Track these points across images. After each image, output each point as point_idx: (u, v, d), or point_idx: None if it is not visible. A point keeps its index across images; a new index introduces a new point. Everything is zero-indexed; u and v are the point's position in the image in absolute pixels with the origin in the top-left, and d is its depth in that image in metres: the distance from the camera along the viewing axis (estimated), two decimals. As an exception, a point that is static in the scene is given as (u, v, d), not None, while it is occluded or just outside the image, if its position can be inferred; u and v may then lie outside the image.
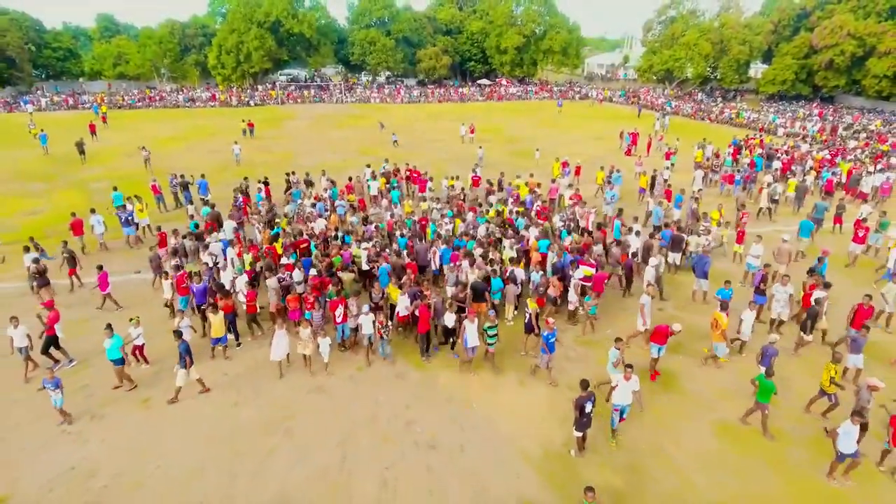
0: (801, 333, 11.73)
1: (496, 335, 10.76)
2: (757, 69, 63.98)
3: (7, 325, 10.89)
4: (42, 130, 35.28)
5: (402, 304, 11.75)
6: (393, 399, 10.34)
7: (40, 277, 14.18)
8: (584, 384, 8.61)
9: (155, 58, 60.42)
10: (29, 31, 63.33)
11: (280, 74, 74.43)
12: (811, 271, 13.33)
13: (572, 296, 12.92)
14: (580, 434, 8.61)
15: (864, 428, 8.34)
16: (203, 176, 22.70)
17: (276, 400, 10.39)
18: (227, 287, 12.89)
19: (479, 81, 67.97)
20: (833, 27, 49.01)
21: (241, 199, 20.12)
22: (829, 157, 25.72)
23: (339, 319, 11.53)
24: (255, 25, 56.29)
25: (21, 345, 10.91)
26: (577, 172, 24.33)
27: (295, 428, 9.58)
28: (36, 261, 14.45)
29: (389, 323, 11.61)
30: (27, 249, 14.73)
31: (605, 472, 8.43)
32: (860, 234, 16.35)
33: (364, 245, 14.50)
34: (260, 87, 61.55)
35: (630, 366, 8.86)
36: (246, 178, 22.16)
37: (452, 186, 20.86)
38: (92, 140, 35.58)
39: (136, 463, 8.80)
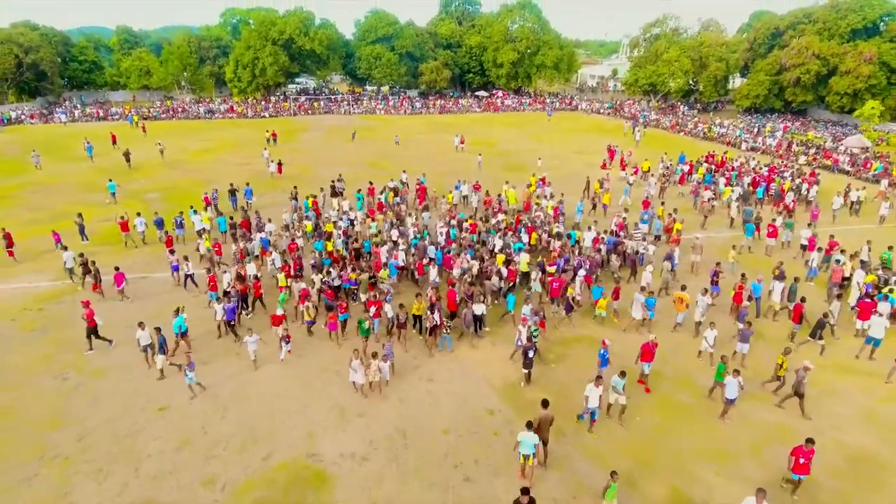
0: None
1: (537, 334, 14.41)
2: (737, 82, 68.64)
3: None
4: (88, 142, 40.21)
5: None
6: (403, 354, 14.89)
7: (85, 267, 18.11)
8: (530, 339, 13.22)
9: (176, 72, 65.09)
10: (58, 45, 68.17)
11: (290, 84, 79.15)
12: (743, 276, 16.98)
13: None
14: (526, 371, 13.23)
15: (801, 397, 12.13)
16: (248, 183, 27.89)
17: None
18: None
19: (477, 93, 72.71)
20: (800, 48, 53.61)
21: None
22: (766, 173, 30.35)
23: (372, 315, 14.91)
24: (269, 43, 61.08)
25: (146, 343, 13.88)
26: (543, 181, 28.40)
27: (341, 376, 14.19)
28: (81, 255, 18.64)
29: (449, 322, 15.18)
30: (66, 249, 19.13)
31: (542, 393, 13.00)
32: (770, 231, 21.27)
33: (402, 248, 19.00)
34: (273, 99, 66.29)
35: (600, 376, 11.80)
36: (295, 187, 27.36)
37: (451, 203, 25.54)
38: (113, 149, 40.50)
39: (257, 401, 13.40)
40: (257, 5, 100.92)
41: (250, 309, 16.91)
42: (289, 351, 14.13)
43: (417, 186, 27.62)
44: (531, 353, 13.06)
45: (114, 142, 42.59)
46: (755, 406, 12.79)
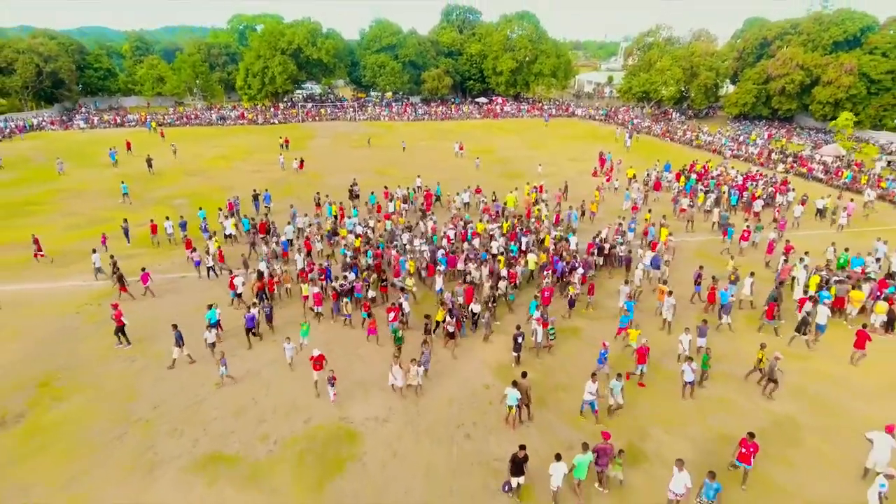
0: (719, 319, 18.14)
1: (554, 333, 16.91)
2: (729, 90, 71.27)
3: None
4: (112, 149, 43.06)
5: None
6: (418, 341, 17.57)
7: (117, 269, 20.50)
8: (518, 328, 15.93)
9: (188, 79, 67.81)
10: (74, 53, 70.87)
11: (296, 90, 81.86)
12: (714, 278, 19.59)
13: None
14: (515, 354, 15.93)
15: (774, 382, 14.52)
16: (266, 189, 30.99)
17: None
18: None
19: (477, 99, 75.43)
20: (785, 58, 56.29)
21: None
22: (740, 182, 33.03)
23: (391, 319, 17.00)
24: (279, 52, 63.79)
25: (211, 341, 16.49)
26: (540, 189, 31.24)
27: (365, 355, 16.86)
28: (112, 257, 21.23)
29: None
30: (94, 251, 21.85)
31: (531, 372, 15.65)
32: (745, 235, 24.04)
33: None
34: (281, 105, 69.01)
35: (595, 373, 14.07)
36: (318, 193, 30.50)
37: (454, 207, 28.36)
38: (127, 153, 43.37)
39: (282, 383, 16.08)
40: (263, 11, 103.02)
41: (267, 302, 19.59)
42: (335, 394, 14.46)
43: (425, 193, 30.40)
44: (520, 340, 15.75)
45: (128, 148, 45.38)
46: (712, 387, 15.44)
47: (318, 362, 14.58)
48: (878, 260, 22.03)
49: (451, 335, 16.82)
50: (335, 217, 27.12)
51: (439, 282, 19.80)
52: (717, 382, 15.55)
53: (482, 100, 74.84)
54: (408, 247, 22.72)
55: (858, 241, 25.06)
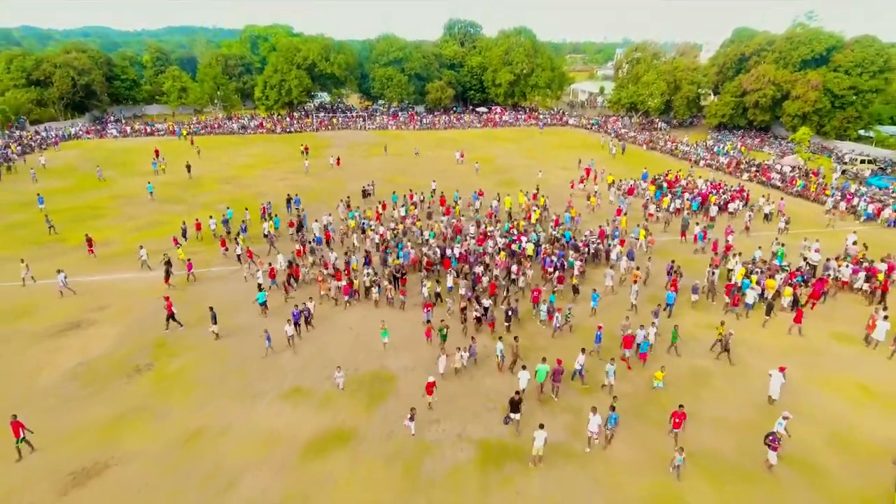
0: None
1: (570, 315, 21.83)
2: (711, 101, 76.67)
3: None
4: (154, 159, 48.58)
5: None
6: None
7: (170, 265, 25.87)
8: (509, 304, 21.27)
9: (210, 91, 73.18)
10: (103, 65, 76.27)
11: (309, 99, 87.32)
12: (679, 272, 25.19)
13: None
14: (507, 324, 21.21)
15: (728, 351, 19.66)
16: (297, 194, 36.84)
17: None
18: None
19: (477, 109, 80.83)
20: (758, 74, 61.66)
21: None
22: (705, 190, 38.40)
23: (425, 311, 21.78)
24: (295, 67, 69.18)
25: (290, 334, 21.34)
26: (534, 197, 36.81)
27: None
28: (165, 255, 26.54)
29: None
30: (141, 247, 27.32)
31: (548, 355, 20.85)
32: (704, 234, 29.48)
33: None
34: (296, 115, 74.39)
35: (584, 349, 18.90)
36: (349, 197, 36.27)
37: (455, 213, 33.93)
38: (158, 160, 48.88)
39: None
40: (273, 21, 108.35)
41: (296, 286, 25.10)
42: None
43: (440, 198, 36.50)
44: (510, 314, 21.14)
45: (156, 155, 50.81)
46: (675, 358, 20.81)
47: (430, 387, 16.85)
48: (804, 256, 27.44)
49: (479, 320, 21.56)
50: (377, 212, 33.63)
51: (450, 280, 24.40)
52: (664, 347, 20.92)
53: (482, 109, 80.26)
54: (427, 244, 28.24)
55: (795, 241, 30.45)
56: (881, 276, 24.21)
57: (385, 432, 16.05)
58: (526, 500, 13.72)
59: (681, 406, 15.72)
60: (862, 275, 24.61)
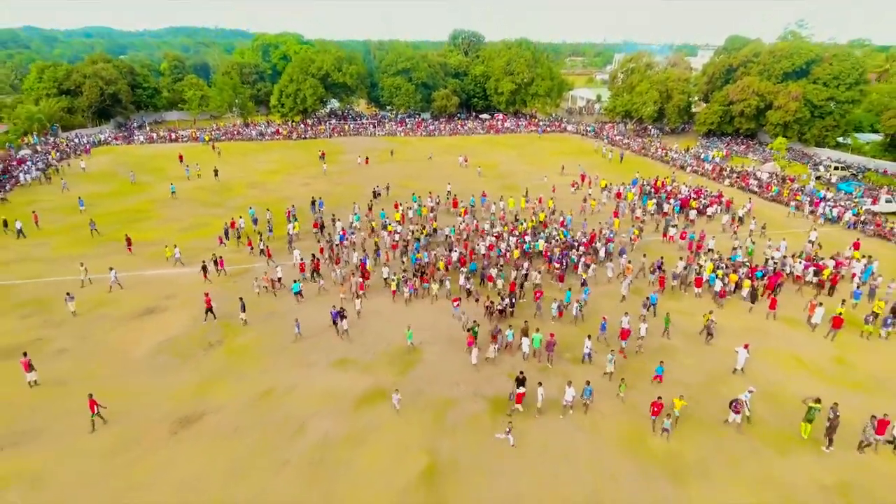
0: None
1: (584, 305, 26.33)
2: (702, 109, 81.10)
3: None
4: (187, 166, 52.97)
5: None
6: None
7: (217, 262, 30.51)
8: (511, 297, 25.66)
9: (230, 99, 77.65)
10: (126, 75, 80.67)
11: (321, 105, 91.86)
12: (662, 268, 29.88)
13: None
14: (511, 309, 25.66)
15: (710, 335, 24.35)
16: (321, 197, 41.21)
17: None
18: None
19: (480, 115, 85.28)
20: (744, 86, 66.06)
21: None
22: (687, 195, 42.79)
23: (455, 306, 26.12)
24: (309, 77, 73.64)
25: (345, 328, 26.63)
26: (540, 201, 41.43)
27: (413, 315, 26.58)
28: (214, 255, 31.13)
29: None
30: (176, 246, 31.65)
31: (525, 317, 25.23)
32: (681, 235, 33.91)
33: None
34: (310, 122, 78.83)
35: (589, 335, 25.09)
36: (372, 201, 41.21)
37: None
38: (192, 166, 53.30)
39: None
40: (284, 30, 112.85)
41: (318, 277, 29.44)
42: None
43: (453, 200, 41.28)
44: (512, 300, 25.56)
45: (181, 160, 55.18)
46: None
47: (520, 398, 19.38)
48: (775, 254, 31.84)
49: (502, 311, 25.65)
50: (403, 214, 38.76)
51: (461, 279, 28.49)
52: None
53: (485, 116, 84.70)
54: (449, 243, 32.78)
55: (766, 241, 34.81)
56: (827, 272, 28.61)
57: (416, 391, 20.46)
58: (525, 439, 18.12)
59: (659, 397, 18.50)
60: (811, 270, 28.99)
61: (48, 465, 16.87)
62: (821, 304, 24.79)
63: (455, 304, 25.76)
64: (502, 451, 17.54)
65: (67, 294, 25.95)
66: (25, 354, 20.54)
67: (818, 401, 18.09)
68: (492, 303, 25.71)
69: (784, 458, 17.49)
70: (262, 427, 18.54)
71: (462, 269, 29.23)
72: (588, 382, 19.44)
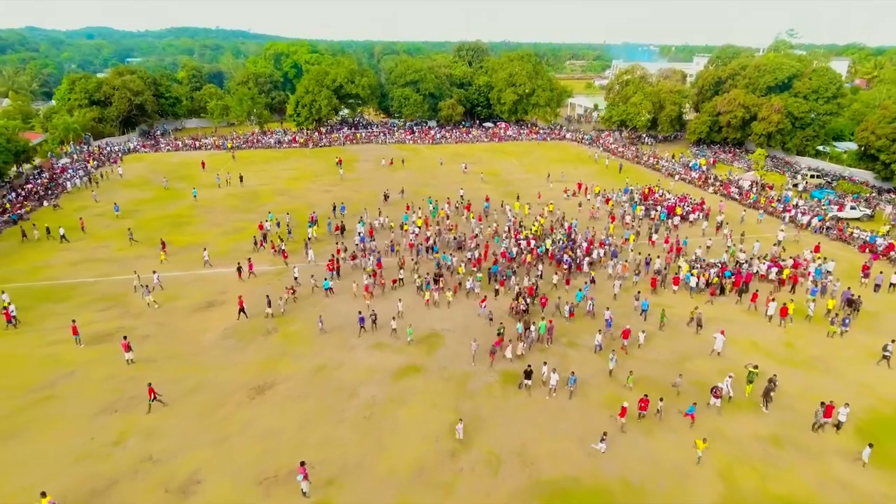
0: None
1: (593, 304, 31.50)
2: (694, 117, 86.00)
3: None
4: (217, 175, 57.87)
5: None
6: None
7: (240, 269, 35.28)
8: (523, 297, 30.54)
9: (248, 108, 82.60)
10: (150, 85, 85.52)
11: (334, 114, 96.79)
12: (649, 263, 34.88)
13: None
14: (524, 306, 30.55)
15: (700, 325, 29.11)
16: (342, 202, 46.12)
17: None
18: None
19: (484, 124, 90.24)
20: (730, 98, 70.93)
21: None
22: (673, 202, 47.64)
23: (482, 305, 31.39)
24: (324, 88, 78.59)
25: (393, 327, 32.17)
26: (548, 208, 46.44)
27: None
28: (249, 260, 36.03)
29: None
30: (205, 249, 36.51)
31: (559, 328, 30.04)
32: (666, 239, 38.84)
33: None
34: (323, 130, 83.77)
35: (600, 329, 30.01)
36: (408, 205, 46.37)
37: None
38: (205, 172, 58.16)
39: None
40: (295, 38, 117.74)
41: (337, 277, 34.17)
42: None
43: (466, 204, 46.31)
44: (522, 297, 30.42)
45: (203, 167, 60.05)
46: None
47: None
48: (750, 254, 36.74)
49: (526, 310, 29.98)
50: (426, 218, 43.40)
51: (469, 282, 33.52)
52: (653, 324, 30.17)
53: (488, 124, 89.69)
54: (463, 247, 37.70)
55: (742, 243, 39.68)
56: (787, 271, 33.50)
57: (441, 367, 25.39)
58: (531, 402, 23.01)
59: (645, 395, 21.66)
60: (774, 269, 33.88)
61: (155, 423, 21.71)
62: (774, 298, 29.72)
63: (482, 304, 30.23)
64: (512, 410, 22.46)
65: (145, 287, 30.93)
66: (125, 338, 25.44)
67: (756, 367, 23.13)
68: (517, 304, 30.16)
69: (732, 417, 22.39)
70: (322, 392, 23.44)
71: (479, 270, 34.11)
72: (573, 373, 23.66)
